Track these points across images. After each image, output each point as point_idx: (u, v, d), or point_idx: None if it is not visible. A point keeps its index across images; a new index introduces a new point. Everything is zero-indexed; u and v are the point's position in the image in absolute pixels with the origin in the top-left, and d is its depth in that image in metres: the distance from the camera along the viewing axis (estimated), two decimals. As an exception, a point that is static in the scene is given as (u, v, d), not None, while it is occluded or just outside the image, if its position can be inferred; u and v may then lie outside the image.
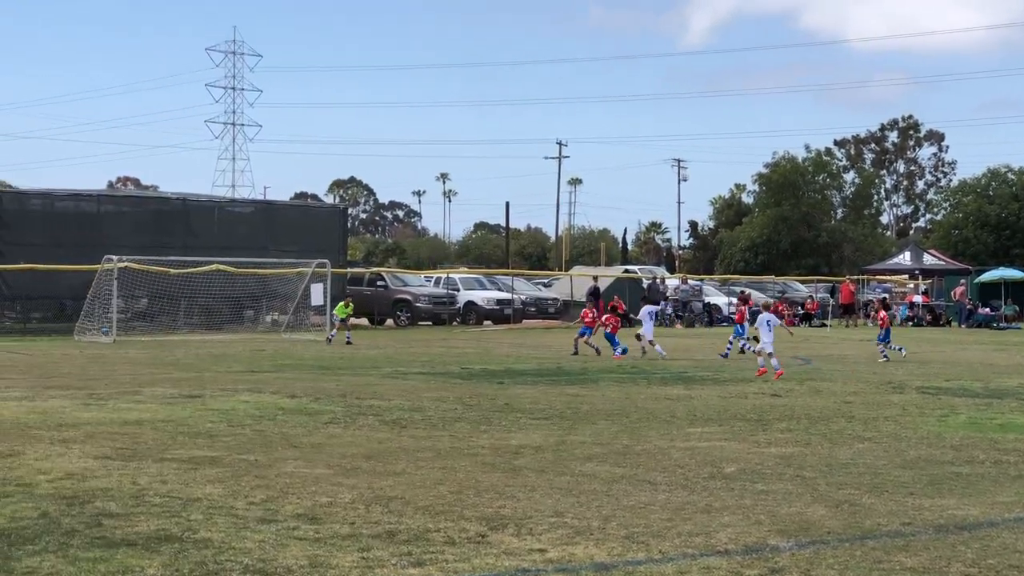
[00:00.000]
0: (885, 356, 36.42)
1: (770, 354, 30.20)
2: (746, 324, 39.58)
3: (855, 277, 74.40)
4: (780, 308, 41.13)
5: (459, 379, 28.70)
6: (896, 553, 10.92)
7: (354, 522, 11.89)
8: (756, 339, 32.41)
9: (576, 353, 37.48)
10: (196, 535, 11.22)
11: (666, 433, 19.08)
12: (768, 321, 30.85)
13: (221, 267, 48.56)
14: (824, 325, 65.06)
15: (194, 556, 10.40)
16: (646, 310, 39.87)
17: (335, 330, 45.02)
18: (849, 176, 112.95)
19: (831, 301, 69.73)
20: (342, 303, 45.63)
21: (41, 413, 20.64)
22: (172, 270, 47.52)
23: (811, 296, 71.62)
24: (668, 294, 65.60)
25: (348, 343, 42.90)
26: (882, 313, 39.36)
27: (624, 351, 36.98)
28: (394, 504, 12.83)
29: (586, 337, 38.25)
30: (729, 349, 37.73)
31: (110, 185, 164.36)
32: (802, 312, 68.22)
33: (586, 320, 39.14)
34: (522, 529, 11.71)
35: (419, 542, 11.07)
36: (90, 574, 9.77)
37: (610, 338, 37.58)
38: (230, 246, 53.27)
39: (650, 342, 37.60)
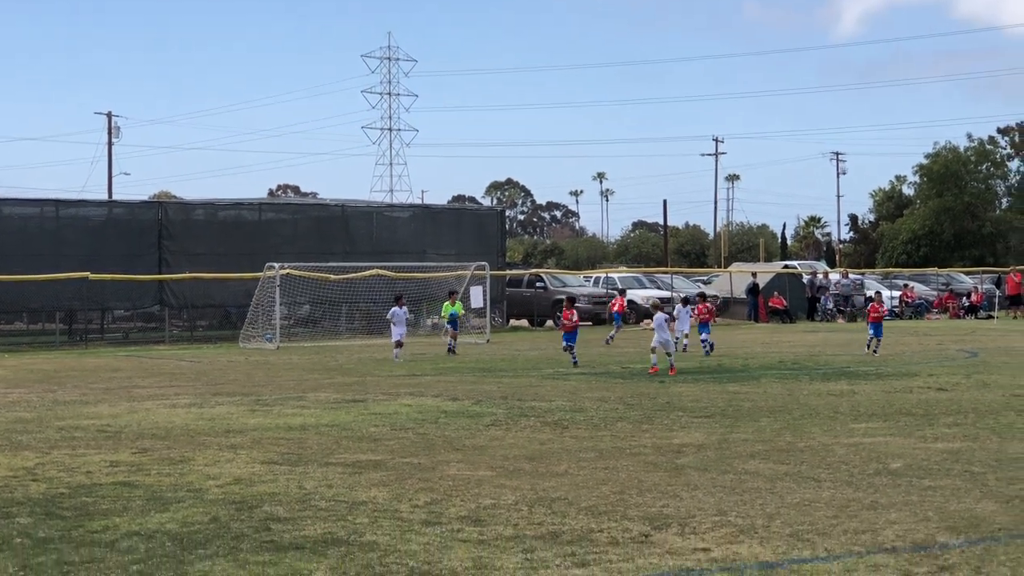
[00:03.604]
0: None
1: (653, 348, 30.77)
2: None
3: (1021, 267, 72.74)
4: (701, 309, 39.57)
5: (620, 379, 28.67)
6: (1070, 549, 10.70)
7: (518, 524, 11.94)
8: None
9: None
10: (362, 538, 11.34)
11: (829, 429, 18.89)
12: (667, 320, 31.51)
13: (381, 272, 49.01)
14: (990, 317, 63.86)
15: (360, 559, 10.52)
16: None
17: (453, 339, 39.88)
18: (1014, 165, 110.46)
19: (997, 292, 68.43)
20: (448, 302, 41.23)
21: (209, 420, 21.02)
22: (333, 276, 48.13)
23: (976, 287, 70.36)
24: (830, 288, 64.87)
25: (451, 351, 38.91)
26: None
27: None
28: (557, 505, 12.86)
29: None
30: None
31: (270, 193, 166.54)
32: (967, 304, 67.06)
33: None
34: (686, 528, 11.67)
35: (583, 543, 11.08)
36: (259, 578, 9.93)
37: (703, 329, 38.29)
38: (389, 251, 53.82)
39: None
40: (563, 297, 59.15)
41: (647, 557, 10.55)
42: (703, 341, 37.66)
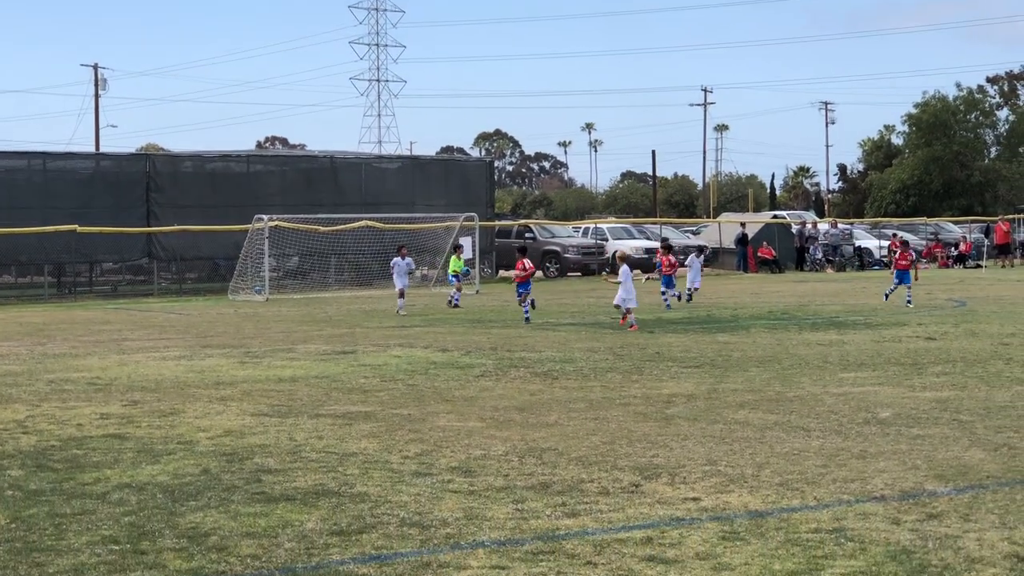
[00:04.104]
0: None
1: (627, 309, 29.11)
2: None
3: (1010, 216, 72.83)
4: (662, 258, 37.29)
5: (609, 329, 28.69)
6: (1058, 496, 10.76)
7: (508, 474, 11.98)
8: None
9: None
10: (353, 489, 11.38)
11: (819, 379, 18.94)
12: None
13: (370, 223, 48.95)
14: (979, 266, 64.00)
15: (351, 510, 10.55)
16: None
17: (457, 293, 38.01)
18: (1003, 114, 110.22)
19: (985, 242, 68.52)
20: (454, 256, 39.98)
21: (199, 372, 21.03)
22: (322, 228, 48.05)
23: (964, 237, 70.41)
24: (819, 238, 64.89)
25: (455, 305, 37.15)
26: None
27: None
28: (547, 455, 12.90)
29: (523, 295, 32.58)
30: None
31: (258, 145, 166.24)
32: (956, 253, 67.15)
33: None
34: (676, 478, 11.72)
35: (573, 493, 11.13)
36: (251, 528, 9.95)
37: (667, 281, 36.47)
38: (378, 202, 53.72)
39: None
40: (554, 248, 59.70)
41: (637, 507, 10.59)
42: (675, 294, 36.46)
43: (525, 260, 33.38)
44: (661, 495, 11.02)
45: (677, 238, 67.17)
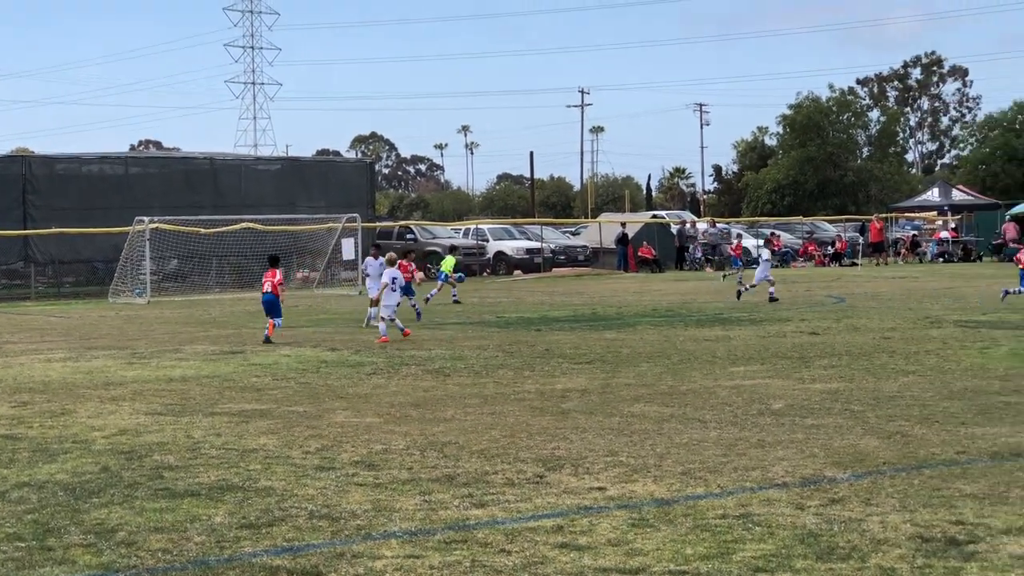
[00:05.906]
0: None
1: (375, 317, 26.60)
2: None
3: (883, 215, 74.17)
4: (404, 266, 30.72)
5: (496, 327, 28.75)
6: (954, 480, 11.00)
7: (412, 467, 12.00)
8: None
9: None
10: (257, 484, 11.33)
11: (709, 373, 19.14)
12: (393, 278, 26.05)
13: (250, 225, 48.60)
14: (854, 264, 64.93)
15: (258, 504, 10.51)
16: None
17: (436, 290, 38.47)
18: (873, 115, 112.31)
19: (860, 240, 69.56)
20: (449, 256, 40.38)
21: (87, 373, 20.78)
22: (203, 230, 47.54)
23: (839, 235, 71.44)
24: (698, 238, 65.51)
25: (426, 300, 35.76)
26: None
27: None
28: (449, 449, 12.93)
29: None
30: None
31: (132, 148, 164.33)
32: (831, 252, 68.07)
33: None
34: (579, 468, 11.80)
35: (479, 484, 11.17)
36: (158, 523, 9.88)
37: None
38: (258, 204, 53.29)
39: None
40: (435, 248, 59.55)
41: (544, 497, 10.65)
42: (416, 303, 32.52)
43: (275, 272, 26.98)
44: (567, 485, 11.10)
45: (557, 239, 67.49)
